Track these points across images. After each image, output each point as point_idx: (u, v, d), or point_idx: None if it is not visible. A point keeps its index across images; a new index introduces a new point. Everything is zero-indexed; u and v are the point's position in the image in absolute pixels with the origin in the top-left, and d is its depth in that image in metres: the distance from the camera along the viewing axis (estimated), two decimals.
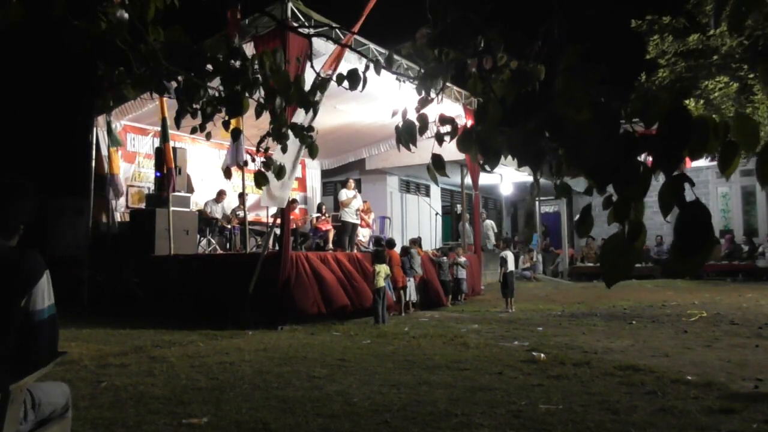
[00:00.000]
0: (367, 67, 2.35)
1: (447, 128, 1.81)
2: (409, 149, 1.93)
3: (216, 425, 3.93)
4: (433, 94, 2.01)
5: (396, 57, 9.93)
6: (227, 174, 3.32)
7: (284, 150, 2.74)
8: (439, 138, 1.89)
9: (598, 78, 1.37)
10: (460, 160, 12.99)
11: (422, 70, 2.02)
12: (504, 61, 1.74)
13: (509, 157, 1.61)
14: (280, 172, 2.69)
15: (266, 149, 2.81)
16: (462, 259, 12.62)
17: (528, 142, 1.41)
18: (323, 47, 9.03)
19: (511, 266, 11.43)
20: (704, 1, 16.00)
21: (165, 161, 10.59)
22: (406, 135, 1.89)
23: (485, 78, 1.70)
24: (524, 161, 1.47)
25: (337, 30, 8.76)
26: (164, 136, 10.73)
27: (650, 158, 1.28)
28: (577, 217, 1.49)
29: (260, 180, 2.79)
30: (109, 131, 11.61)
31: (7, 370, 2.17)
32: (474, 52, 1.79)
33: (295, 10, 8.89)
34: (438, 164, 1.87)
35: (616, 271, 1.28)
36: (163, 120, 10.60)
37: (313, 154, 2.69)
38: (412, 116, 1.94)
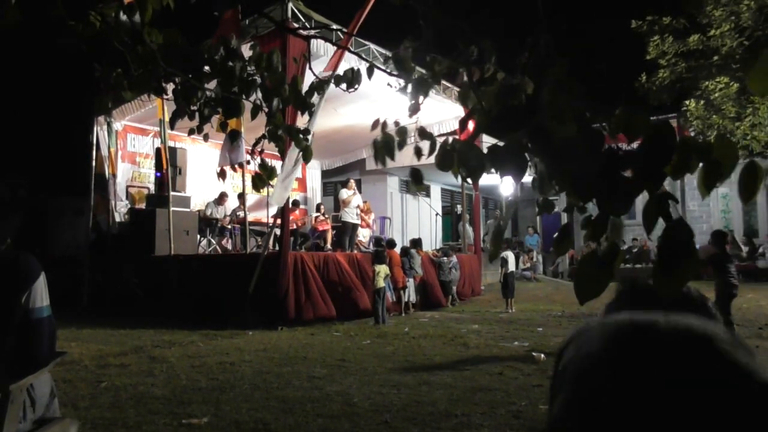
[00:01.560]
0: (370, 70, 2.35)
1: (426, 144, 1.80)
2: (384, 164, 1.89)
3: (216, 425, 3.94)
4: (421, 99, 2.00)
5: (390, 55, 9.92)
6: (222, 175, 3.31)
7: (281, 152, 2.72)
8: (418, 152, 1.88)
9: (584, 92, 1.37)
10: None
11: (404, 80, 2.01)
12: (491, 72, 1.74)
13: (495, 173, 1.60)
14: (271, 174, 2.68)
15: (261, 151, 2.81)
16: (453, 260, 12.60)
17: (510, 153, 1.41)
18: (323, 49, 9.04)
19: (511, 266, 11.43)
20: (705, 1, 16.00)
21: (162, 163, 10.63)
22: (384, 150, 1.86)
23: (474, 88, 1.69)
24: (506, 172, 1.46)
25: (338, 31, 8.77)
26: (163, 138, 10.75)
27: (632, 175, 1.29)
28: (556, 234, 1.49)
29: (258, 182, 2.78)
30: (109, 132, 11.62)
31: (7, 369, 2.18)
32: (466, 60, 1.78)
33: (296, 11, 8.89)
34: (416, 179, 1.84)
35: (587, 290, 1.27)
36: (161, 121, 10.61)
37: (307, 157, 2.68)
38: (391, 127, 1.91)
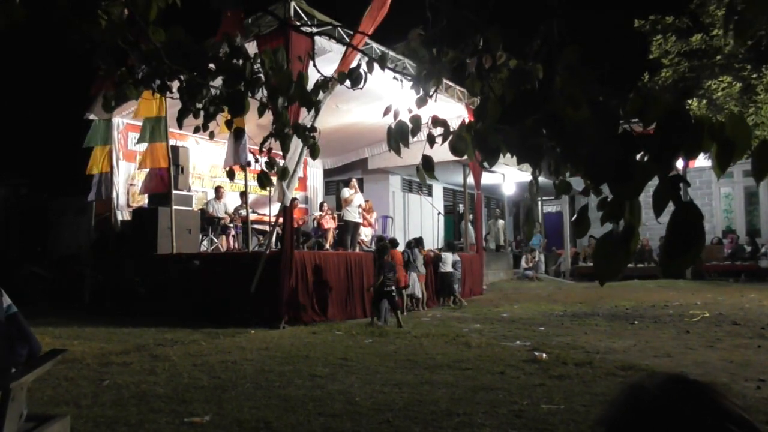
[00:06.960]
0: (369, 65, 2.34)
1: (439, 130, 1.81)
2: (398, 153, 1.89)
3: (218, 424, 3.94)
4: (431, 92, 2.00)
5: (397, 55, 9.88)
6: (231, 175, 3.31)
7: (286, 150, 2.73)
8: (431, 140, 1.88)
9: (596, 77, 1.37)
10: (463, 159, 12.99)
11: (415, 70, 2.01)
12: (503, 59, 1.74)
13: (511, 157, 1.61)
14: (283, 173, 2.68)
15: (270, 150, 2.80)
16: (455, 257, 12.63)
17: (526, 139, 1.42)
18: (326, 46, 9.02)
19: (448, 267, 11.84)
20: (707, 1, 15.99)
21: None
22: (398, 136, 1.87)
23: (484, 77, 1.70)
24: (523, 158, 1.48)
25: (340, 29, 8.75)
26: (142, 136, 10.77)
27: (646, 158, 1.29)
28: (574, 217, 1.50)
29: (264, 181, 2.78)
30: (100, 129, 11.61)
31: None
32: (473, 51, 1.79)
33: (298, 9, 8.88)
34: (427, 166, 1.85)
35: (607, 270, 1.28)
36: (145, 120, 10.61)
37: (314, 154, 2.68)
38: (405, 117, 1.92)
